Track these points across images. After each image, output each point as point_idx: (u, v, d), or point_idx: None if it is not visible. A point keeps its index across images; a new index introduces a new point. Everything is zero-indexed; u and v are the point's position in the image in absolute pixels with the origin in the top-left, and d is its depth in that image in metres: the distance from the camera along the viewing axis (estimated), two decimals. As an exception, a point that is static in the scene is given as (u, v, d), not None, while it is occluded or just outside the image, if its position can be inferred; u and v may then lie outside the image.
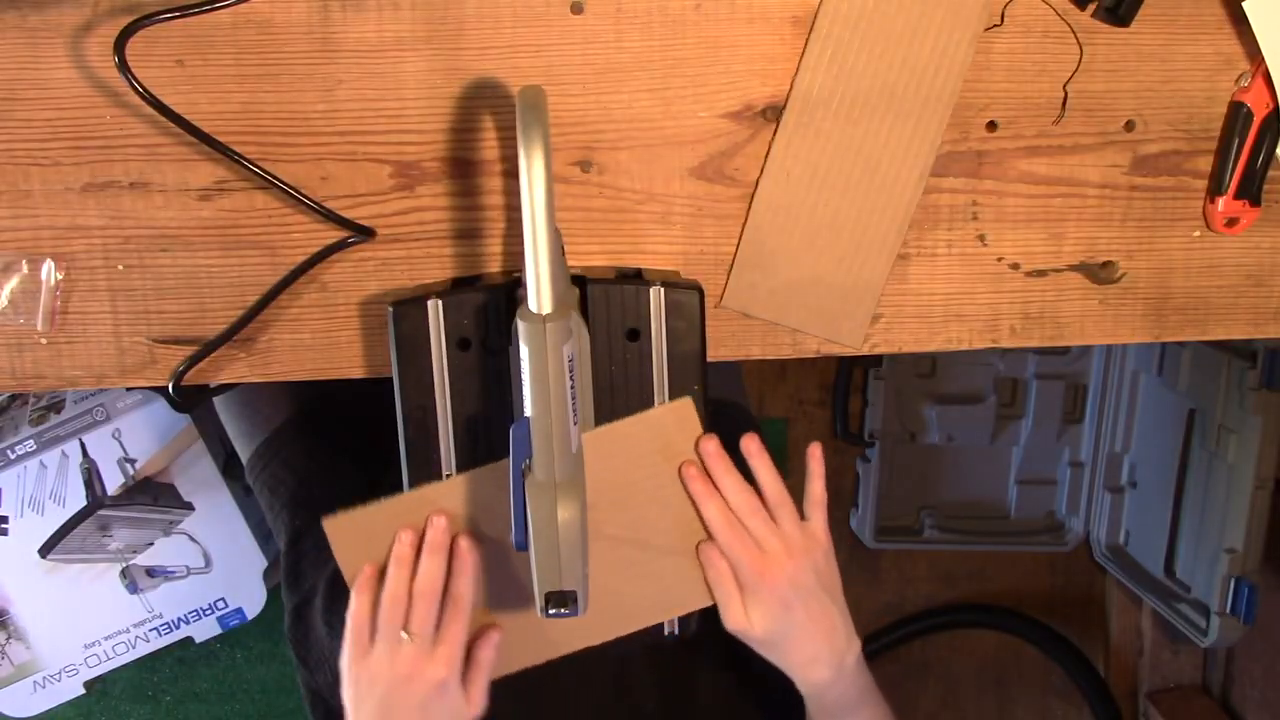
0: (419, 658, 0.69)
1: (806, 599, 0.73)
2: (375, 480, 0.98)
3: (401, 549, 0.71)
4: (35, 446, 1.40)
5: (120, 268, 0.73)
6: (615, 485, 0.72)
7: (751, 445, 0.74)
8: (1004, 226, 0.77)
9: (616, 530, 0.73)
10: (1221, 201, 0.76)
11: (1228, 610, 1.47)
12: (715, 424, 0.73)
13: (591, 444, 0.69)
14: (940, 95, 0.73)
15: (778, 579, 0.72)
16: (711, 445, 0.72)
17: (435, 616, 0.70)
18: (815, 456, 0.76)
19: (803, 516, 0.74)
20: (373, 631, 0.70)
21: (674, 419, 0.72)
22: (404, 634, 0.69)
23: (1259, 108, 0.75)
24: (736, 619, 0.73)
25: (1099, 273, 0.78)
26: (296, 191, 0.71)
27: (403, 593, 0.70)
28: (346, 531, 0.72)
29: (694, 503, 0.72)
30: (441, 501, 0.71)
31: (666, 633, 0.76)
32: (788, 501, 0.73)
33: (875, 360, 1.69)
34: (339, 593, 0.96)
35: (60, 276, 0.72)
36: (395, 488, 0.72)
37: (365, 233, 0.72)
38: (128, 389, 1.39)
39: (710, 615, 0.75)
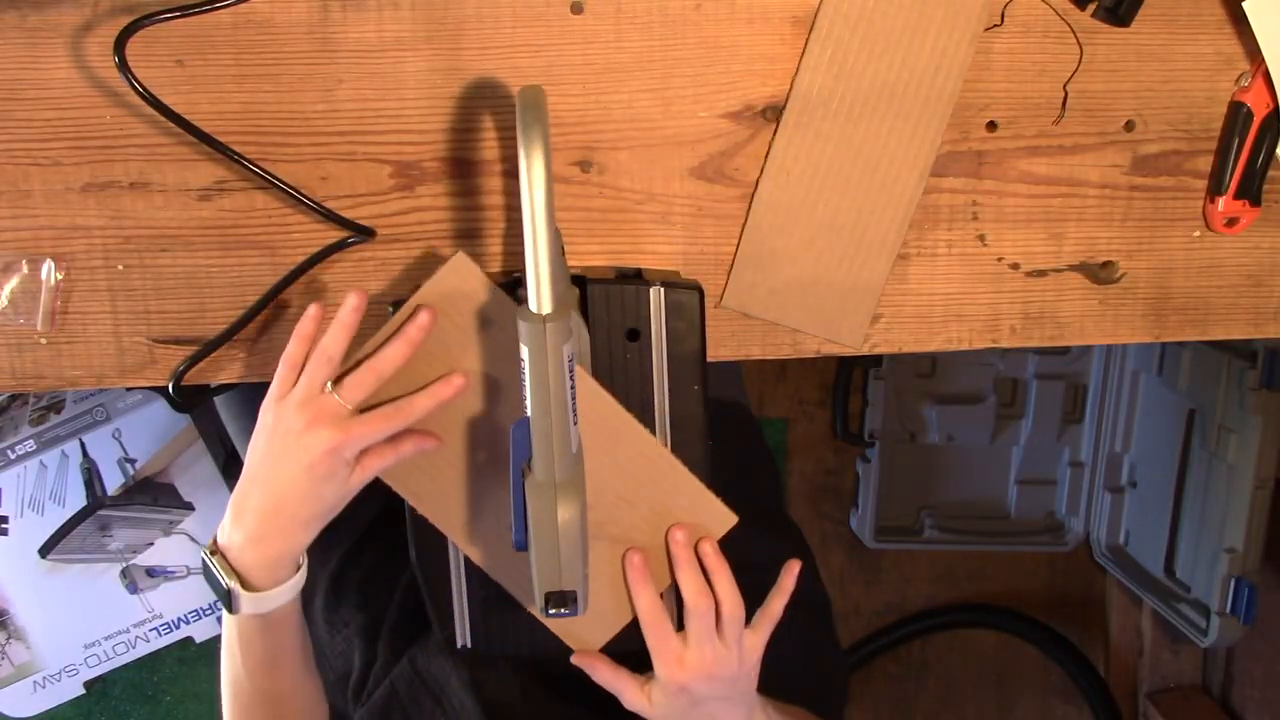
0: (327, 415, 0.65)
1: (709, 700, 0.73)
2: (375, 480, 0.98)
3: (349, 313, 0.66)
4: (35, 446, 1.40)
5: (120, 268, 0.73)
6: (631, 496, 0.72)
7: (708, 550, 0.72)
8: (1004, 226, 0.77)
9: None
10: (1221, 201, 0.76)
11: (1228, 610, 1.47)
12: (715, 424, 0.73)
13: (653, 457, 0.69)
14: (940, 95, 0.73)
15: (691, 676, 0.71)
16: (680, 536, 0.72)
17: (366, 393, 0.66)
18: (791, 574, 0.75)
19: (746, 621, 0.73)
20: (298, 377, 0.66)
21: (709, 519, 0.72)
22: (328, 388, 0.65)
23: (1259, 108, 0.75)
24: (634, 695, 0.73)
25: (1099, 273, 0.78)
26: (296, 191, 0.71)
27: (336, 353, 0.65)
28: (463, 273, 0.68)
29: (676, 571, 0.72)
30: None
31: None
32: (738, 620, 0.72)
33: (875, 360, 1.69)
34: (339, 592, 0.96)
35: (60, 276, 0.72)
36: (393, 491, 0.72)
37: (365, 233, 0.72)
38: (128, 389, 1.39)
39: None
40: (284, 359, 0.67)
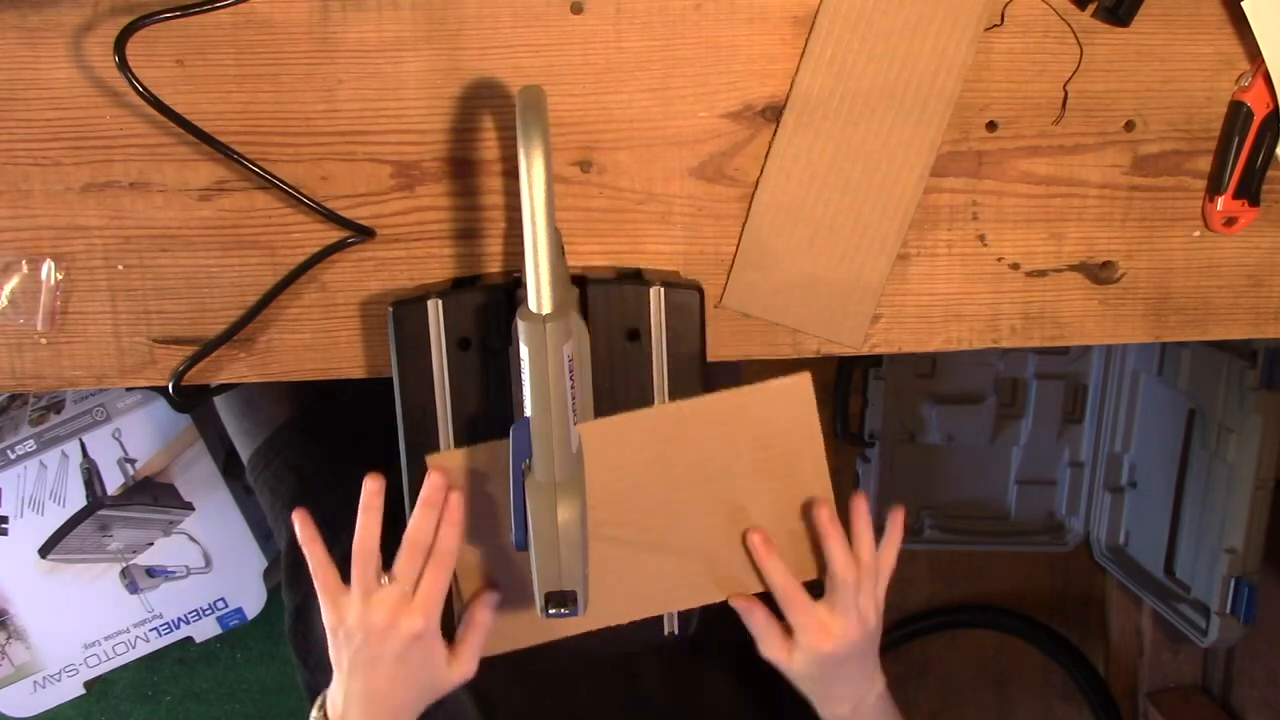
0: (396, 607, 0.68)
1: (849, 660, 0.75)
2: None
3: (370, 499, 0.70)
4: (35, 446, 1.40)
5: (120, 268, 0.73)
6: (714, 458, 0.72)
7: (861, 507, 0.75)
8: (1004, 226, 0.77)
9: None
10: (1220, 201, 0.76)
11: (1228, 610, 1.47)
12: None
13: (691, 417, 0.71)
14: (940, 95, 0.73)
15: (837, 644, 0.73)
16: (825, 512, 0.73)
17: (419, 568, 0.69)
18: (897, 523, 0.77)
19: None
20: (339, 578, 0.70)
21: (787, 397, 0.72)
22: (385, 579, 0.69)
23: (1259, 108, 0.75)
24: (776, 650, 0.74)
25: (1099, 273, 0.78)
26: (296, 191, 0.71)
27: (373, 544, 0.69)
28: (447, 466, 0.71)
29: (824, 543, 0.73)
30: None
31: (666, 632, 0.76)
32: (874, 574, 0.74)
33: (875, 360, 1.69)
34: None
35: (60, 276, 0.73)
36: (396, 487, 0.72)
37: (365, 233, 0.72)
38: (128, 389, 1.39)
39: (711, 617, 0.76)
40: (314, 568, 0.70)
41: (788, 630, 0.74)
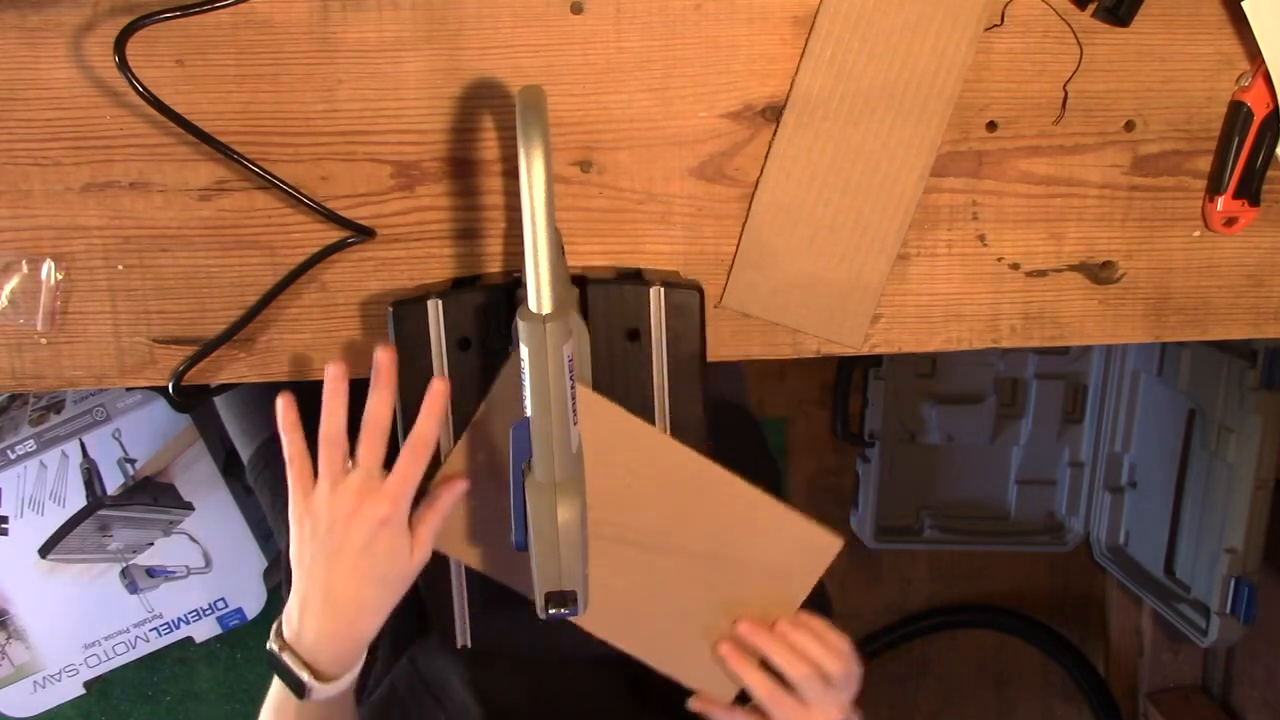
0: (363, 491, 0.65)
1: None
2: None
3: (334, 383, 0.67)
4: (35, 446, 1.40)
5: (120, 268, 0.73)
6: (708, 529, 0.72)
7: (786, 629, 0.74)
8: (1004, 226, 0.77)
9: (682, 559, 0.73)
10: (1220, 200, 0.76)
11: (1228, 610, 1.47)
12: (716, 425, 0.73)
13: (724, 487, 0.71)
14: (940, 95, 0.73)
15: None
16: (745, 627, 0.73)
17: (383, 450, 0.66)
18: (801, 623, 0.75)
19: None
20: (314, 471, 0.67)
21: (809, 547, 0.73)
22: (348, 465, 0.66)
23: (1259, 108, 0.75)
24: None
25: (1099, 273, 0.78)
26: (296, 191, 0.71)
27: (340, 430, 0.66)
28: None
29: (769, 657, 0.73)
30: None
31: None
32: (842, 671, 0.74)
33: (875, 360, 1.69)
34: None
35: (60, 276, 0.73)
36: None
37: (365, 233, 0.72)
38: (128, 389, 1.39)
39: None
40: (291, 456, 0.68)
41: None
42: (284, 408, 0.68)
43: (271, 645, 0.69)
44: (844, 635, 0.75)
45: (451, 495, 0.69)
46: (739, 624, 0.73)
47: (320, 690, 0.68)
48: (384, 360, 0.67)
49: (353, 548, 0.65)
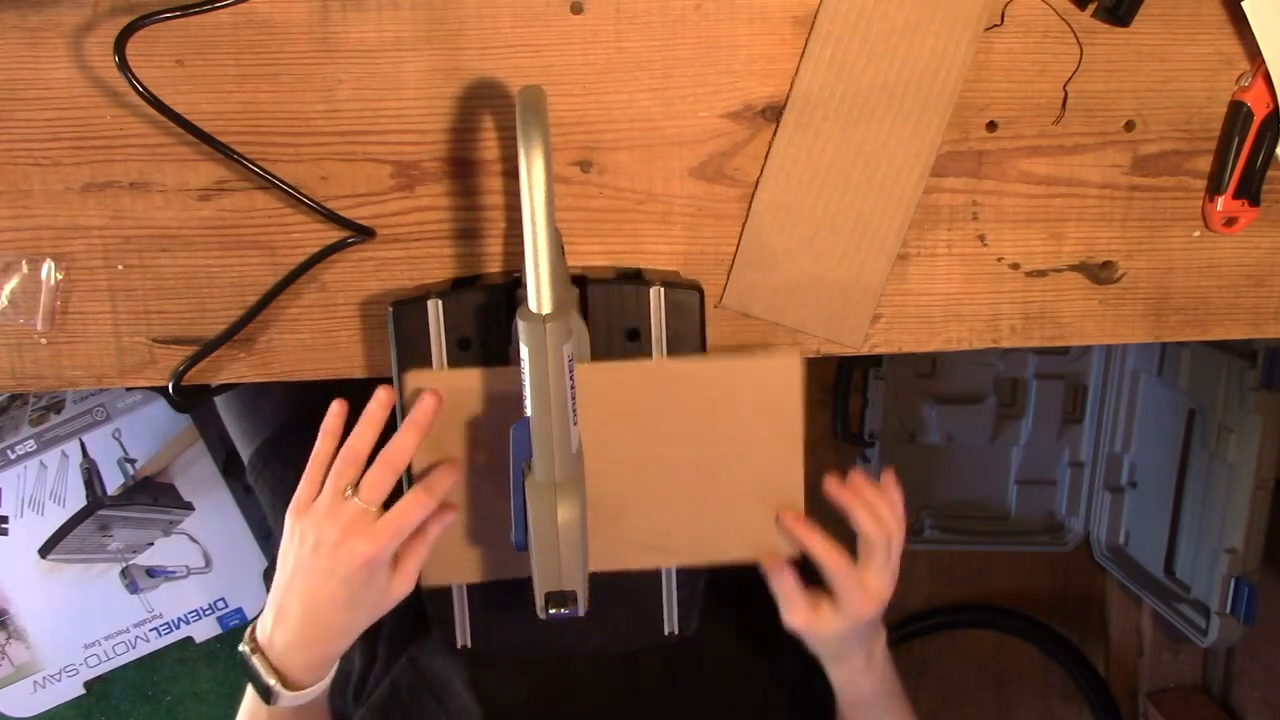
0: (356, 525, 0.65)
1: (873, 625, 0.76)
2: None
3: (376, 409, 0.67)
4: (35, 446, 1.40)
5: (120, 268, 0.73)
6: (694, 420, 0.71)
7: (890, 479, 0.75)
8: (1004, 226, 0.77)
9: (680, 464, 0.72)
10: (1220, 201, 0.76)
11: (1228, 610, 1.47)
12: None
13: (680, 376, 0.70)
14: (940, 95, 0.73)
15: (876, 606, 0.74)
16: (859, 478, 0.74)
17: (388, 489, 0.66)
18: (892, 483, 0.76)
19: None
20: (323, 482, 0.67)
21: (775, 377, 0.71)
22: (349, 492, 0.66)
23: (1259, 107, 0.75)
24: (803, 616, 0.74)
25: (1099, 273, 0.79)
26: (296, 191, 0.71)
27: (363, 451, 0.66)
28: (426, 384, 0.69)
29: (850, 511, 0.73)
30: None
31: (666, 631, 0.76)
32: (902, 541, 0.75)
33: (875, 360, 1.69)
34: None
35: (60, 276, 0.73)
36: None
37: (365, 233, 0.72)
38: (128, 389, 1.39)
39: (711, 607, 0.75)
40: (314, 458, 0.68)
41: (812, 596, 0.74)
42: (334, 413, 0.69)
43: (243, 647, 0.70)
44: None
45: (439, 526, 0.69)
46: (827, 483, 0.73)
47: (288, 698, 0.68)
48: (428, 405, 0.67)
49: (333, 577, 0.66)
